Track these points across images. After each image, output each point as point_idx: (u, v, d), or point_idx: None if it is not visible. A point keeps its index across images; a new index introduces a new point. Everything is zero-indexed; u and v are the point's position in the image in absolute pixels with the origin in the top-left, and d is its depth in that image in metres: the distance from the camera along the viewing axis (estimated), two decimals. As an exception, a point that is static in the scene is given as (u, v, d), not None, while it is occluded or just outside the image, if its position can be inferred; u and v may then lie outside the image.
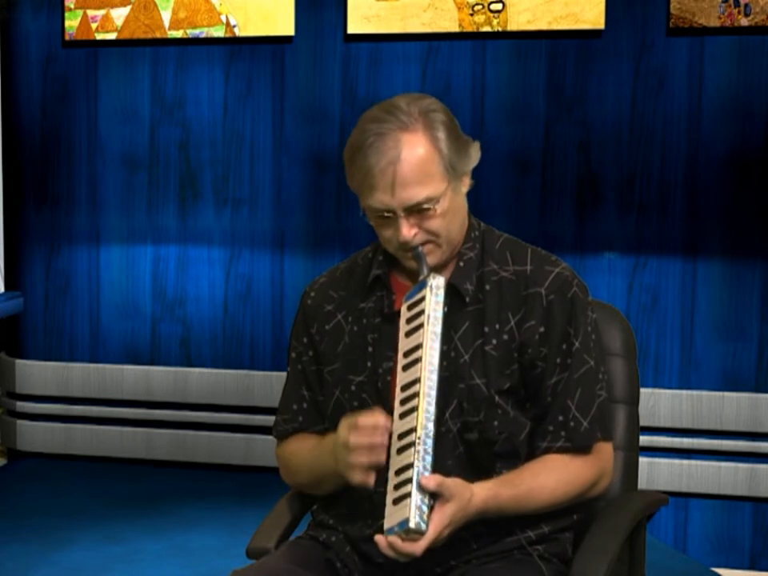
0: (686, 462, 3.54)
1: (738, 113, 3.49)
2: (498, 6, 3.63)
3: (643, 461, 3.23)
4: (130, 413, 4.13)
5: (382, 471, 1.80)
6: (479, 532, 1.78)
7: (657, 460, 3.54)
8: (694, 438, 3.54)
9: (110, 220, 4.10)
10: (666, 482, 3.54)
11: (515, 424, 1.79)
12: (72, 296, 4.17)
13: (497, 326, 1.79)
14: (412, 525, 1.59)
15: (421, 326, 1.69)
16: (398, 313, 1.82)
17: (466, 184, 1.83)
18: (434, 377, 1.66)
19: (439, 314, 1.69)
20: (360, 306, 1.88)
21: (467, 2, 3.65)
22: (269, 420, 3.94)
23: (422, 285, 1.73)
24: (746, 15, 3.43)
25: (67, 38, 4.04)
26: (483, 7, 3.64)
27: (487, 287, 1.81)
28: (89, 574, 3.18)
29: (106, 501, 3.78)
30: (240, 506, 3.69)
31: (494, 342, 1.79)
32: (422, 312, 1.70)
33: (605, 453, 1.85)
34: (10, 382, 4.25)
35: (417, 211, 1.75)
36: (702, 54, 3.50)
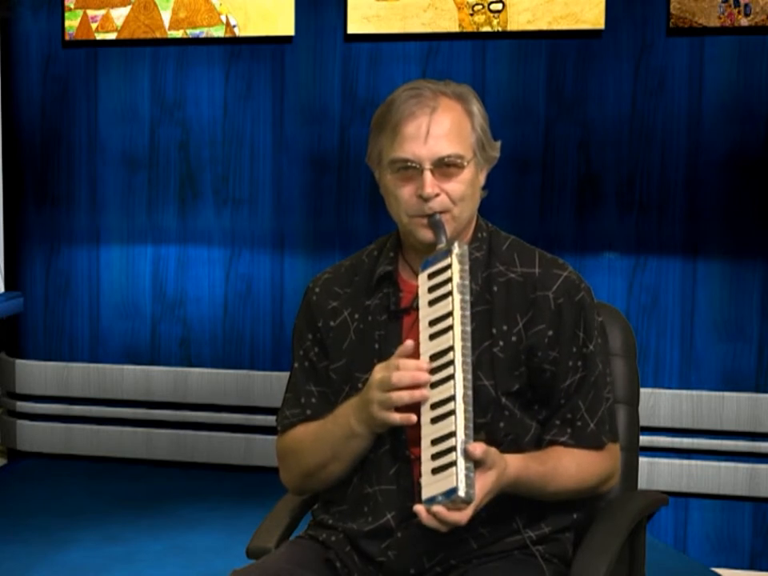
0: (686, 461, 3.54)
1: (738, 113, 3.49)
2: (498, 6, 3.63)
3: (643, 461, 3.23)
4: (130, 413, 4.13)
5: (384, 471, 1.80)
6: (480, 532, 1.78)
7: (657, 460, 3.54)
8: (694, 438, 3.54)
9: (110, 220, 4.10)
10: (665, 482, 3.54)
11: (521, 426, 1.80)
12: (72, 296, 4.17)
13: (504, 328, 1.79)
14: (461, 494, 1.56)
15: (448, 294, 1.66)
16: (405, 310, 1.82)
17: (481, 179, 1.84)
18: (469, 344, 1.63)
19: (467, 282, 1.66)
20: (366, 304, 1.86)
21: (467, 2, 3.65)
22: (269, 420, 3.96)
23: (444, 254, 1.69)
24: (746, 15, 3.43)
25: (67, 37, 4.04)
26: (483, 7, 3.64)
27: (495, 288, 1.81)
28: (89, 574, 3.18)
29: (106, 501, 3.78)
30: (240, 506, 3.68)
31: (502, 343, 1.78)
32: (447, 280, 1.67)
33: (615, 452, 1.87)
34: (9, 382, 4.25)
35: (444, 165, 1.75)
36: (702, 54, 3.50)
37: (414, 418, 1.67)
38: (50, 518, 3.62)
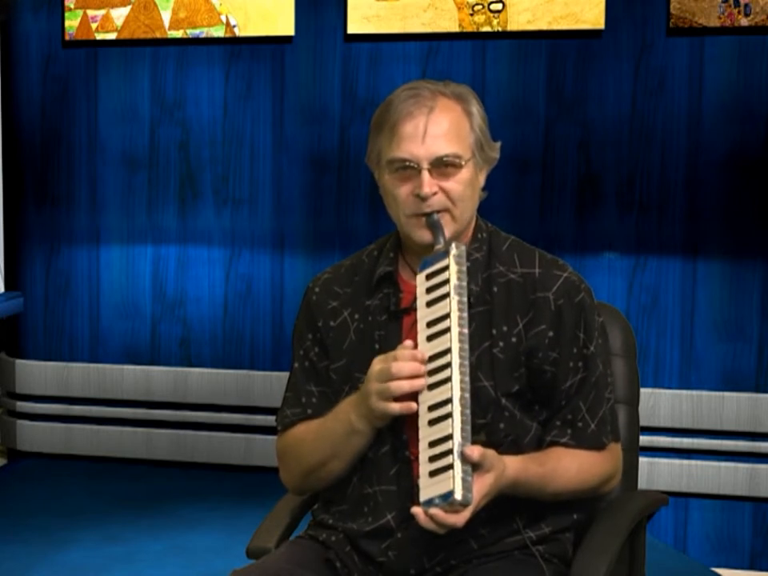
0: (686, 461, 3.54)
1: (738, 113, 3.49)
2: (498, 6, 3.63)
3: (643, 461, 3.23)
4: (130, 413, 4.13)
5: (385, 472, 1.80)
6: (480, 532, 1.78)
7: (657, 460, 3.54)
8: (694, 438, 3.54)
9: (110, 220, 4.10)
10: (665, 482, 3.54)
11: (521, 427, 1.80)
12: (72, 296, 4.17)
13: (504, 329, 1.79)
14: (458, 497, 1.56)
15: (445, 295, 1.65)
16: (405, 310, 1.82)
17: (481, 180, 1.84)
18: (467, 346, 1.63)
19: (464, 284, 1.66)
20: (366, 304, 1.86)
21: (467, 2, 3.65)
22: (269, 420, 3.96)
23: (442, 254, 1.68)
24: (746, 15, 3.43)
25: (67, 37, 4.04)
26: (483, 7, 3.64)
27: (495, 289, 1.80)
28: (89, 574, 3.18)
29: (106, 501, 3.78)
30: (240, 506, 3.68)
31: (501, 344, 1.78)
32: (444, 282, 1.66)
33: (616, 452, 1.87)
34: (9, 382, 4.25)
35: (442, 165, 1.75)
36: (702, 54, 3.50)
37: (414, 406, 1.66)
38: (50, 517, 3.62)
